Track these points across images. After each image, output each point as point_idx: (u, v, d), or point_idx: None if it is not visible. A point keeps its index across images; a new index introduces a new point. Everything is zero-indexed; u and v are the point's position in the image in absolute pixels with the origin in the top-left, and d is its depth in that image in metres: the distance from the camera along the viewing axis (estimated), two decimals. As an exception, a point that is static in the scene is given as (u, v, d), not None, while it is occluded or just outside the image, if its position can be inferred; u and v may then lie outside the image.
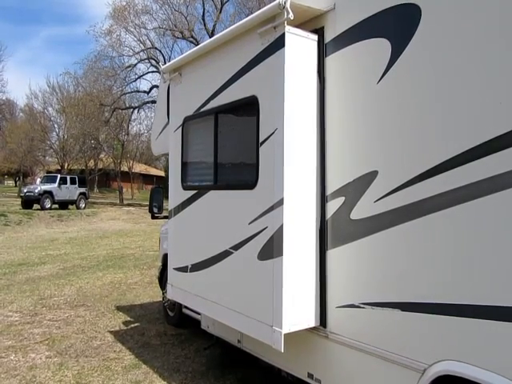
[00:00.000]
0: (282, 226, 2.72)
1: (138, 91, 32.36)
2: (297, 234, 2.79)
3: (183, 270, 3.87)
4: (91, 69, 29.55)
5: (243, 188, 3.14)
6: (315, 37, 2.88)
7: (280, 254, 2.73)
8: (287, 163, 2.73)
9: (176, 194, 4.01)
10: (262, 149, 2.92)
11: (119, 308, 6.50)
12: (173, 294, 4.11)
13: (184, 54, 3.94)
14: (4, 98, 41.25)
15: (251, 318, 2.96)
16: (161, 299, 6.18)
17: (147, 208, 6.19)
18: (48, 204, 23.71)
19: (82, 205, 26.30)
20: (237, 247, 3.14)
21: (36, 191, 23.37)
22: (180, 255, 3.97)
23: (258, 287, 2.92)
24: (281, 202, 2.73)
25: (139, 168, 46.52)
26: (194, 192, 3.73)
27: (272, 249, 2.80)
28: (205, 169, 3.63)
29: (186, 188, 3.87)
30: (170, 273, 4.12)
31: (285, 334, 2.69)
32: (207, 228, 3.56)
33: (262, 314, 2.85)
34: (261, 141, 2.92)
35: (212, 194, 3.52)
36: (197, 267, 3.64)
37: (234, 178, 3.37)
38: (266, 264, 2.85)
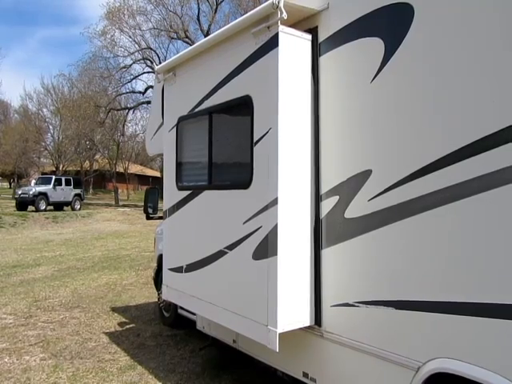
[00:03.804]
0: (276, 225, 2.72)
1: (134, 92, 32.30)
2: (291, 233, 2.79)
3: (178, 270, 3.86)
4: (86, 70, 29.47)
5: (237, 188, 3.14)
6: (309, 36, 2.88)
7: (274, 253, 2.73)
8: (281, 163, 2.73)
9: (171, 194, 4.00)
10: (256, 148, 2.92)
11: (114, 309, 6.48)
12: (168, 295, 4.10)
13: (178, 55, 3.94)
14: (-2, 99, 41.03)
15: (246, 317, 2.96)
16: (156, 300, 6.17)
17: (142, 209, 6.18)
18: (43, 205, 23.61)
19: (77, 206, 26.19)
20: (231, 247, 3.14)
21: (31, 193, 23.26)
22: (175, 256, 3.96)
23: (252, 287, 2.92)
24: (275, 202, 2.73)
25: (135, 169, 46.39)
26: (189, 192, 3.72)
27: (266, 248, 2.79)
28: (199, 169, 3.62)
29: (180, 188, 3.86)
30: (165, 273, 4.11)
31: (279, 334, 2.69)
32: (202, 228, 3.56)
33: (257, 313, 2.85)
34: (255, 140, 2.92)
35: (206, 193, 3.52)
36: (192, 267, 3.63)
37: (229, 177, 3.37)
38: (260, 263, 2.85)
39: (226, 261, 3.21)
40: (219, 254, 3.27)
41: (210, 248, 3.37)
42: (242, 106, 3.07)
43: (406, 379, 2.31)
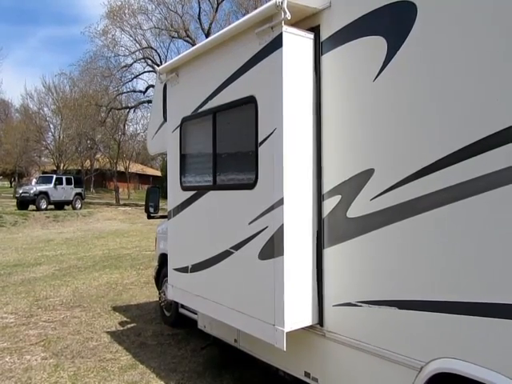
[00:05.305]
0: (282, 225, 2.72)
1: (134, 91, 32.28)
2: (296, 233, 2.79)
3: (184, 270, 3.86)
4: (87, 69, 29.45)
5: (243, 188, 3.14)
6: (311, 35, 2.88)
7: (281, 253, 2.73)
8: (287, 163, 2.74)
9: (175, 194, 4.00)
10: (261, 149, 2.92)
11: (115, 308, 6.48)
12: (173, 295, 4.09)
13: (181, 55, 3.93)
14: (-1, 99, 40.99)
15: (253, 317, 2.96)
16: (157, 299, 6.17)
17: (143, 208, 6.17)
18: (44, 204, 23.60)
19: (78, 205, 26.19)
20: (237, 247, 3.14)
21: (31, 192, 23.26)
22: (180, 256, 3.96)
23: (259, 286, 2.92)
24: (281, 202, 2.73)
25: (135, 168, 46.34)
26: (194, 192, 3.72)
27: (273, 248, 2.80)
28: (204, 169, 3.61)
29: (185, 189, 3.86)
30: (171, 273, 4.10)
31: (286, 333, 2.70)
32: (207, 228, 3.55)
33: (264, 313, 2.86)
34: (260, 141, 2.92)
35: (211, 194, 3.51)
36: (197, 267, 3.63)
37: (233, 178, 3.36)
38: (266, 263, 2.85)
39: (231, 261, 3.21)
40: (225, 254, 3.27)
41: (216, 248, 3.37)
42: (247, 107, 3.06)
43: (408, 379, 2.31)
